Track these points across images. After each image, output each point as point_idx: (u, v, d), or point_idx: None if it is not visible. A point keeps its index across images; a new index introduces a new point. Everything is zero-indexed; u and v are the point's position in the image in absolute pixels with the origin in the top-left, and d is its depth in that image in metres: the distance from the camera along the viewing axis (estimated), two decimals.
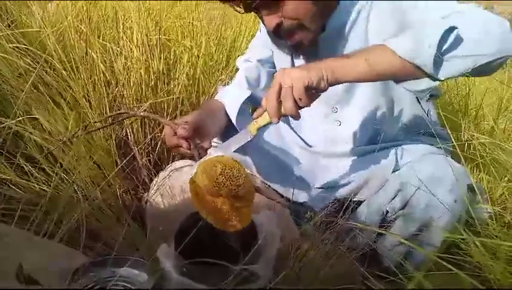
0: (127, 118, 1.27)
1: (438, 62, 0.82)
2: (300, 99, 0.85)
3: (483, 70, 0.85)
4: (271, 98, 0.87)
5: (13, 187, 1.03)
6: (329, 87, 0.89)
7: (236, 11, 1.02)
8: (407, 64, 0.84)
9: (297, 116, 0.87)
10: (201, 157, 0.92)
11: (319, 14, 1.03)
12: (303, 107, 0.88)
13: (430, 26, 0.84)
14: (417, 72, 0.85)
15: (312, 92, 0.87)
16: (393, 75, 0.89)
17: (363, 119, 1.19)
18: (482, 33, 0.83)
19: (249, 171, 1.26)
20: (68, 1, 1.58)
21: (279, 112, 0.88)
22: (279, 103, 0.87)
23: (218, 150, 0.97)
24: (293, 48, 1.12)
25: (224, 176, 0.80)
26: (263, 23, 1.06)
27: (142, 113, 1.02)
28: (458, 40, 0.82)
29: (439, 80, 0.86)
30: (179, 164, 1.22)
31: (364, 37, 1.08)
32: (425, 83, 0.88)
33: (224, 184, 0.80)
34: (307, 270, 0.93)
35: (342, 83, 0.89)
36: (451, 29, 0.81)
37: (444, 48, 0.81)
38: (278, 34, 1.04)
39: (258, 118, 0.93)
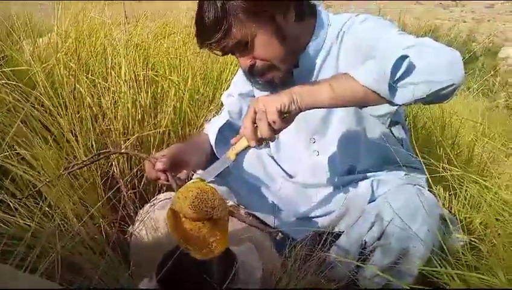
0: (109, 155, 1.30)
1: (392, 88, 0.88)
2: (274, 122, 0.90)
3: (438, 97, 0.91)
4: (247, 122, 0.93)
5: None
6: (306, 117, 0.95)
7: (215, 54, 1.10)
8: (367, 90, 0.89)
9: (272, 138, 0.93)
10: (179, 188, 0.96)
11: (289, 55, 1.11)
12: (278, 131, 0.94)
13: (386, 55, 0.90)
14: (376, 98, 0.90)
15: (285, 116, 0.92)
16: (355, 100, 0.95)
17: (339, 150, 1.24)
18: (433, 61, 0.89)
19: (232, 203, 1.28)
20: (58, 39, 1.63)
21: (256, 135, 0.93)
22: (255, 126, 0.93)
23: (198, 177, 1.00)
24: (266, 84, 1.19)
25: (199, 199, 0.85)
26: (239, 63, 1.14)
27: (123, 150, 1.06)
28: (411, 68, 0.88)
29: (397, 105, 0.91)
30: (163, 196, 1.25)
31: (335, 72, 1.14)
32: (384, 108, 0.94)
33: (199, 207, 0.84)
34: None
35: (311, 107, 0.95)
36: (404, 57, 0.87)
37: (398, 74, 0.87)
38: (251, 74, 1.12)
39: (235, 144, 0.98)
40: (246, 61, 1.09)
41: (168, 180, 1.03)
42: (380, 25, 1.11)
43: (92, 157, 1.03)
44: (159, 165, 1.02)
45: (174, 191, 0.98)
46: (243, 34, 1.03)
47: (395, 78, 0.88)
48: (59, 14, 1.88)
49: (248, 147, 0.96)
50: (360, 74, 0.91)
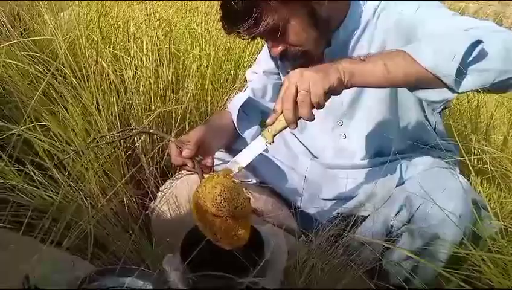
0: (136, 134, 1.28)
1: (460, 75, 0.80)
2: (318, 104, 0.82)
3: (500, 87, 0.84)
4: (288, 102, 0.83)
5: (21, 194, 1.04)
6: (335, 99, 0.88)
7: (243, 39, 1.04)
8: (427, 73, 0.82)
9: (312, 119, 0.84)
10: (204, 174, 0.94)
11: (322, 38, 1.05)
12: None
13: (454, 38, 0.83)
14: (436, 83, 0.83)
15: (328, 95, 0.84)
16: (410, 83, 0.88)
17: (368, 133, 1.19)
18: (504, 49, 0.81)
19: (254, 182, 1.25)
20: (80, 11, 1.60)
21: (297, 117, 0.84)
22: (296, 106, 0.84)
23: (234, 163, 0.95)
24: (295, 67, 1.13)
25: (223, 197, 0.83)
26: (268, 48, 1.09)
27: (150, 131, 1.04)
28: (482, 54, 0.80)
29: (457, 93, 0.84)
30: (185, 172, 1.22)
31: (370, 52, 1.08)
32: (445, 94, 0.85)
33: (222, 205, 0.83)
34: (314, 284, 0.93)
35: (359, 86, 0.88)
36: (477, 43, 0.79)
37: (468, 60, 0.80)
38: (282, 59, 1.07)
39: (272, 124, 0.90)
40: (276, 48, 1.04)
41: (194, 167, 0.99)
42: (426, 4, 1.01)
43: (119, 132, 1.01)
44: (187, 153, 0.97)
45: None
46: (274, 21, 0.97)
47: (464, 64, 0.79)
48: None
49: (286, 127, 0.87)
50: (422, 54, 0.82)
